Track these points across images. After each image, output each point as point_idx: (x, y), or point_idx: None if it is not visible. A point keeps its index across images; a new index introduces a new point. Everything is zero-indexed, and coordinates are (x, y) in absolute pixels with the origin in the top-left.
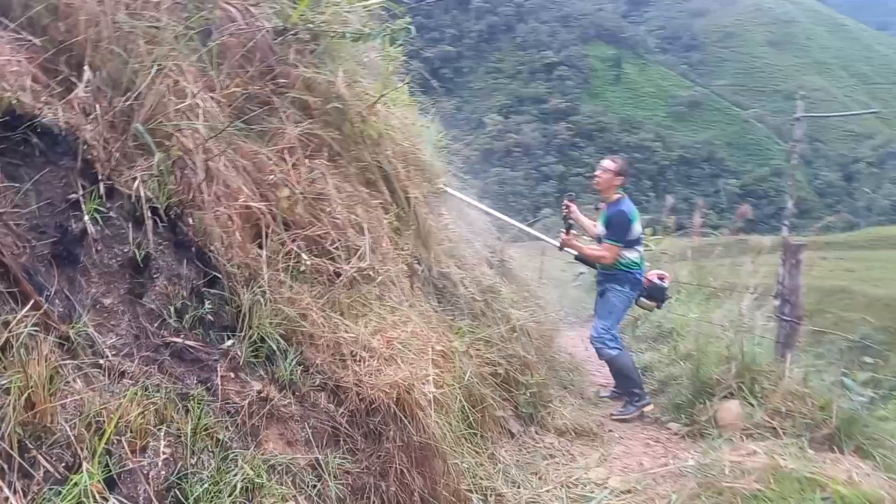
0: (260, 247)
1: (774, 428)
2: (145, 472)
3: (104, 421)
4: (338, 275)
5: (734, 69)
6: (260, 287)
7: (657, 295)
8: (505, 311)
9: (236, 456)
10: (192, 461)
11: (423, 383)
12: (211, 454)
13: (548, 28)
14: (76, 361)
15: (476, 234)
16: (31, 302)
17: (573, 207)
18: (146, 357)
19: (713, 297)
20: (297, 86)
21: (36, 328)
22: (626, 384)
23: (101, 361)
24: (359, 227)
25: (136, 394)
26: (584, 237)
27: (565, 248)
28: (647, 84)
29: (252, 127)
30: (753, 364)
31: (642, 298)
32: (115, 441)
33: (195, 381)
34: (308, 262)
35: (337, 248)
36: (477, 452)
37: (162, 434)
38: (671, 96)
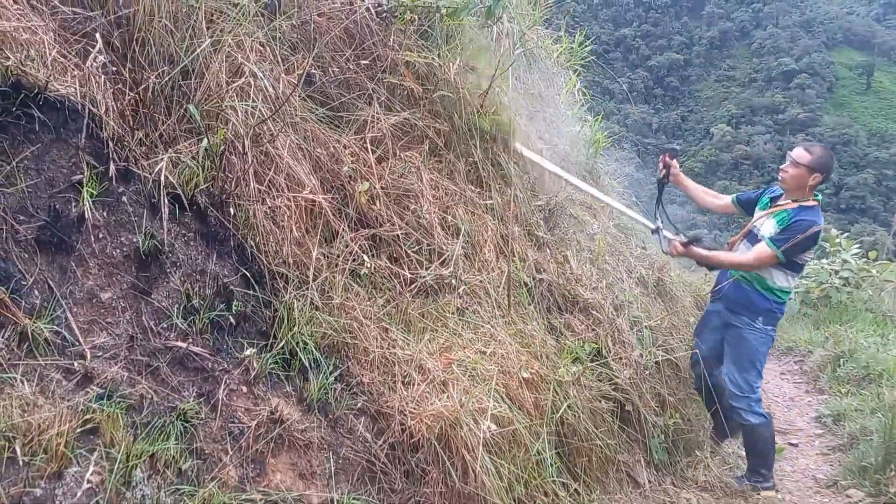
0: (322, 245)
1: None
2: (57, 502)
3: (13, 437)
4: (411, 281)
5: None
6: (304, 290)
7: None
8: (643, 335)
9: (192, 491)
10: (125, 494)
11: (477, 419)
12: (157, 486)
13: (788, 34)
14: (31, 362)
15: (633, 249)
16: None
17: (674, 167)
18: (137, 362)
19: None
20: (397, 71)
21: None
22: (758, 462)
23: (75, 364)
24: (454, 230)
25: (74, 406)
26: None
27: (673, 255)
28: None
29: (339, 114)
30: None
31: None
32: (22, 462)
33: (193, 394)
34: (369, 265)
35: (418, 252)
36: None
37: (93, 458)
38: None
